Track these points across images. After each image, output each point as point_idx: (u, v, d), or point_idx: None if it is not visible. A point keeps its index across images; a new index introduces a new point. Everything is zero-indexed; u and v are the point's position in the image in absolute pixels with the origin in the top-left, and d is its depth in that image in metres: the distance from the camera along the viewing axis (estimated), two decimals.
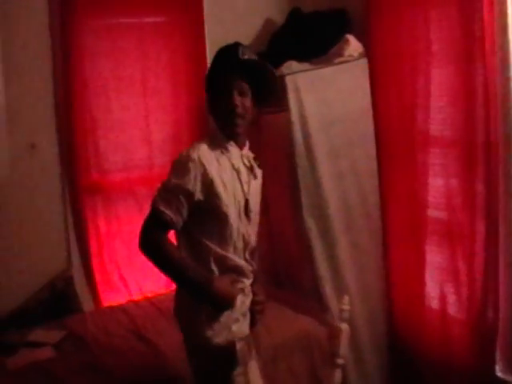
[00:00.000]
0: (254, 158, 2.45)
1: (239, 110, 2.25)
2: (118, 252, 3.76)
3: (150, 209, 2.22)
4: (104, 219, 3.74)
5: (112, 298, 3.76)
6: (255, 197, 2.41)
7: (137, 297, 3.80)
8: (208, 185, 2.20)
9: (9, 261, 3.48)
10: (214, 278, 2.23)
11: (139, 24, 3.83)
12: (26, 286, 3.51)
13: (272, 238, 3.92)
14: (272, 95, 2.40)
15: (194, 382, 2.39)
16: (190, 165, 2.17)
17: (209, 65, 2.43)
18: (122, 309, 3.61)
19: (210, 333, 2.26)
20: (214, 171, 2.21)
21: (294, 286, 3.78)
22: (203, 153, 2.22)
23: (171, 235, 2.26)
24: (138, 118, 3.82)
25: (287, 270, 3.89)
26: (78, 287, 3.66)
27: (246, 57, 2.26)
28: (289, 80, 3.43)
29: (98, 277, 3.73)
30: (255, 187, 2.42)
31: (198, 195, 2.19)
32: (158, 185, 2.25)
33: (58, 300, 3.54)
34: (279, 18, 4.19)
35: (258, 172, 2.45)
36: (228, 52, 2.29)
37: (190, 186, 2.17)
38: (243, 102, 2.26)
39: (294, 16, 4.09)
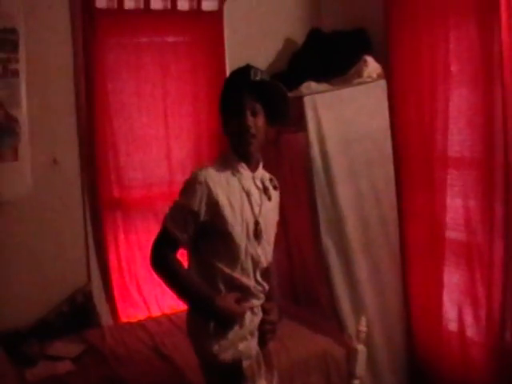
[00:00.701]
0: (271, 180, 2.48)
1: (252, 130, 2.29)
2: (137, 267, 3.79)
3: (161, 227, 2.32)
4: (124, 235, 3.79)
5: (130, 313, 3.79)
6: (268, 218, 2.42)
7: (155, 313, 3.83)
8: (213, 206, 2.25)
9: (30, 274, 3.54)
10: (217, 296, 2.28)
11: (160, 43, 3.90)
12: (46, 299, 3.56)
13: (290, 257, 3.93)
14: (284, 115, 2.42)
15: None
16: (197, 186, 2.25)
17: None
18: (140, 324, 3.64)
19: (216, 349, 2.29)
20: (220, 192, 2.26)
21: (312, 305, 3.78)
22: (211, 174, 2.28)
23: (183, 254, 2.35)
24: (158, 135, 3.88)
25: (305, 288, 3.90)
26: (97, 302, 3.70)
27: (257, 78, 2.31)
28: (307, 100, 3.47)
29: (116, 292, 3.77)
30: (269, 209, 2.43)
31: (204, 216, 2.25)
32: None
33: (77, 314, 3.58)
34: (299, 38, 4.23)
35: (274, 194, 2.47)
36: (240, 74, 2.34)
37: (195, 207, 2.24)
38: (256, 123, 2.30)
39: (314, 36, 4.14)
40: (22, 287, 3.49)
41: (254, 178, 2.38)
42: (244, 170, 2.36)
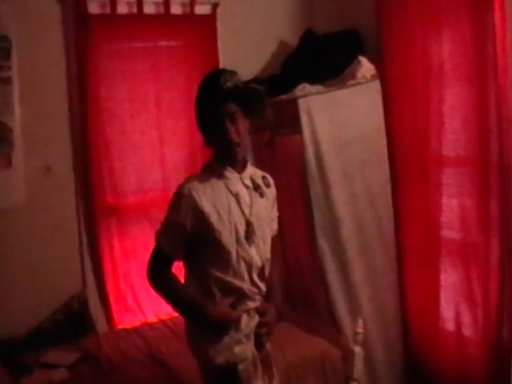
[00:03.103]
0: (264, 177, 2.48)
1: (234, 139, 2.29)
2: (132, 274, 3.77)
3: (155, 242, 2.38)
4: (118, 241, 3.78)
5: (126, 320, 3.77)
6: (262, 216, 2.42)
7: (151, 319, 3.81)
8: (199, 216, 2.28)
9: (24, 282, 3.52)
10: (209, 305, 2.30)
11: (154, 48, 3.89)
12: (40, 307, 3.53)
13: (286, 260, 3.92)
14: (262, 111, 2.44)
15: None
16: (182, 200, 2.29)
17: None
18: (136, 331, 3.62)
19: (212, 352, 2.31)
20: (205, 202, 2.29)
21: (308, 308, 3.77)
22: (195, 186, 2.31)
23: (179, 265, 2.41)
24: (152, 140, 3.87)
25: (301, 291, 3.88)
26: (92, 309, 3.68)
27: (229, 84, 2.29)
28: (301, 102, 3.46)
29: (112, 298, 3.75)
30: (262, 206, 2.43)
31: (190, 227, 2.29)
32: None
33: (72, 321, 3.56)
34: (293, 40, 4.22)
35: (267, 191, 2.46)
36: (211, 83, 2.33)
37: (181, 220, 2.29)
38: (237, 129, 2.30)
39: (307, 38, 4.12)
40: (17, 296, 3.48)
41: (242, 179, 2.38)
42: (230, 173, 2.36)
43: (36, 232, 3.58)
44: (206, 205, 2.29)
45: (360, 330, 3.19)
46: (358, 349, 3.18)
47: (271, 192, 2.50)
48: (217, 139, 2.33)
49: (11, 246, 3.50)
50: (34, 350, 3.26)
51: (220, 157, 2.37)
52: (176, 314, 3.66)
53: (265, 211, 2.44)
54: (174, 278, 2.37)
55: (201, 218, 2.28)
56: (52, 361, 3.19)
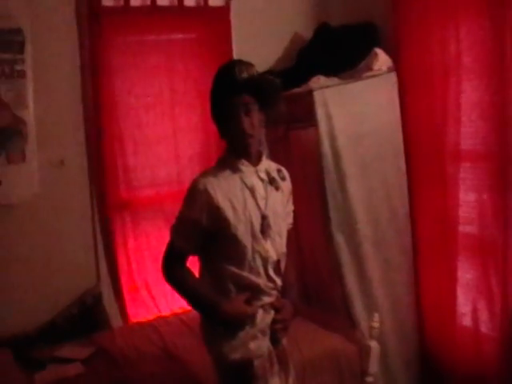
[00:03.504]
0: (279, 170, 2.45)
1: (248, 130, 2.26)
2: (146, 268, 3.76)
3: (169, 237, 2.36)
4: (132, 235, 3.77)
5: (140, 314, 3.77)
6: (277, 210, 2.39)
7: (165, 313, 3.80)
8: (214, 211, 2.25)
9: (38, 277, 3.52)
10: (223, 301, 2.28)
11: (167, 41, 3.87)
12: (55, 302, 3.54)
13: (301, 254, 3.89)
14: (277, 103, 2.40)
15: None
16: (197, 195, 2.27)
17: None
18: (150, 325, 3.61)
19: (226, 348, 2.30)
20: (220, 196, 2.26)
21: (324, 303, 3.74)
22: (210, 180, 2.29)
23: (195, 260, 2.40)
24: (166, 134, 3.85)
25: (316, 286, 3.85)
26: (106, 303, 3.68)
27: (244, 75, 2.26)
28: (317, 95, 3.42)
29: (126, 293, 3.74)
30: (277, 199, 2.40)
31: (206, 223, 2.27)
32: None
33: (86, 316, 3.56)
34: (307, 33, 4.18)
35: (282, 184, 2.43)
36: (226, 73, 2.29)
37: (196, 216, 2.27)
38: (251, 122, 2.27)
39: (322, 30, 4.09)
40: (30, 290, 3.47)
41: (257, 172, 2.35)
42: (245, 166, 2.33)
43: (50, 226, 3.57)
44: (222, 200, 2.26)
45: (376, 324, 3.14)
46: (373, 343, 3.13)
47: (287, 185, 2.47)
48: (231, 130, 2.30)
49: (25, 240, 3.49)
50: (47, 345, 3.26)
51: (234, 149, 2.34)
52: (190, 309, 3.70)
53: (280, 205, 2.41)
54: (190, 273, 2.36)
55: (216, 213, 2.25)
56: (66, 355, 3.18)
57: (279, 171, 2.45)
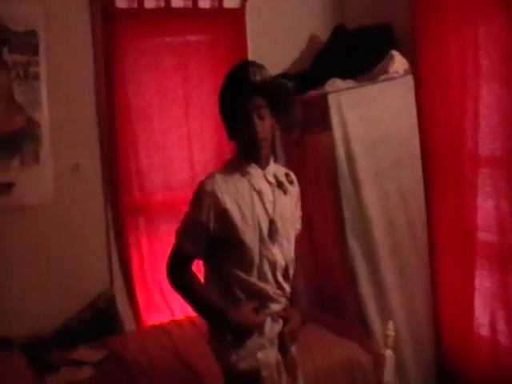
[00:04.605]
0: (287, 175, 2.42)
1: (260, 134, 2.22)
2: (160, 272, 3.71)
3: (175, 240, 2.30)
4: (146, 239, 3.76)
5: (154, 318, 3.76)
6: (285, 214, 2.35)
7: (179, 316, 3.79)
8: (222, 214, 2.21)
9: (52, 280, 3.52)
10: (231, 309, 2.23)
11: (181, 43, 3.85)
12: (68, 305, 3.53)
13: (316, 261, 3.85)
14: (290, 108, 2.37)
15: None
16: (204, 197, 2.22)
17: None
18: (163, 329, 3.60)
19: (234, 358, 2.26)
20: (228, 200, 2.21)
21: (338, 310, 3.69)
22: (218, 182, 2.24)
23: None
24: (180, 138, 3.83)
25: (331, 293, 3.81)
26: (120, 307, 3.67)
27: (258, 78, 2.22)
28: (331, 98, 3.38)
29: (140, 296, 3.74)
30: (286, 204, 2.36)
31: (213, 226, 2.22)
32: None
33: (100, 320, 3.55)
34: (323, 35, 4.14)
35: (290, 188, 2.40)
36: (239, 75, 2.25)
37: (204, 218, 2.21)
38: (264, 125, 2.23)
39: (339, 32, 4.04)
40: (44, 293, 3.47)
41: (265, 175, 2.32)
42: (254, 169, 2.29)
43: (63, 229, 3.57)
44: (229, 202, 2.21)
45: (391, 332, 3.10)
46: (388, 352, 3.09)
47: (295, 190, 2.44)
48: (241, 133, 2.25)
49: (38, 242, 3.49)
50: (61, 349, 3.25)
51: (243, 152, 2.30)
52: None
53: (288, 209, 2.38)
54: (196, 278, 2.30)
55: (223, 216, 2.21)
56: (78, 358, 3.18)
57: (287, 175, 2.42)
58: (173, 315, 3.80)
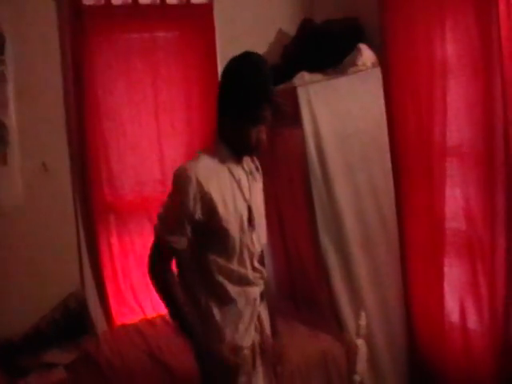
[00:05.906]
0: (252, 160, 2.44)
1: (262, 143, 2.27)
2: (131, 271, 3.73)
3: (155, 236, 2.24)
4: (117, 239, 3.72)
5: (126, 317, 3.72)
6: (257, 200, 2.39)
7: (151, 315, 3.76)
8: (207, 203, 2.18)
9: (22, 281, 3.47)
10: (200, 335, 2.25)
11: (150, 40, 3.81)
12: (38, 306, 3.47)
13: (288, 256, 3.86)
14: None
15: None
16: (188, 184, 2.15)
17: (219, 78, 2.34)
18: (135, 328, 3.58)
19: (213, 346, 2.28)
20: (212, 188, 2.19)
21: (312, 304, 3.69)
22: (201, 170, 2.19)
23: None
24: (150, 136, 3.79)
25: (304, 287, 3.81)
26: (91, 307, 3.63)
27: (273, 87, 2.27)
28: (300, 91, 3.38)
29: (111, 296, 3.70)
30: (258, 189, 2.42)
31: (199, 215, 2.18)
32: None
33: (71, 321, 3.49)
34: (291, 29, 4.13)
35: (257, 175, 2.44)
36: (261, 78, 2.22)
37: (190, 208, 2.16)
38: (264, 133, 2.28)
39: (306, 26, 4.03)
40: (14, 296, 3.43)
41: (241, 164, 2.35)
42: (233, 157, 2.31)
43: (33, 230, 3.52)
44: (214, 192, 2.18)
45: (363, 322, 3.13)
46: (360, 342, 3.12)
47: (260, 175, 2.48)
48: (242, 133, 2.24)
49: (8, 244, 3.45)
50: (32, 352, 3.21)
51: (234, 146, 2.28)
52: None
53: (259, 194, 2.42)
54: (175, 280, 2.26)
55: (208, 205, 2.17)
56: (49, 360, 3.15)
57: (253, 161, 2.45)
58: (144, 314, 3.77)
